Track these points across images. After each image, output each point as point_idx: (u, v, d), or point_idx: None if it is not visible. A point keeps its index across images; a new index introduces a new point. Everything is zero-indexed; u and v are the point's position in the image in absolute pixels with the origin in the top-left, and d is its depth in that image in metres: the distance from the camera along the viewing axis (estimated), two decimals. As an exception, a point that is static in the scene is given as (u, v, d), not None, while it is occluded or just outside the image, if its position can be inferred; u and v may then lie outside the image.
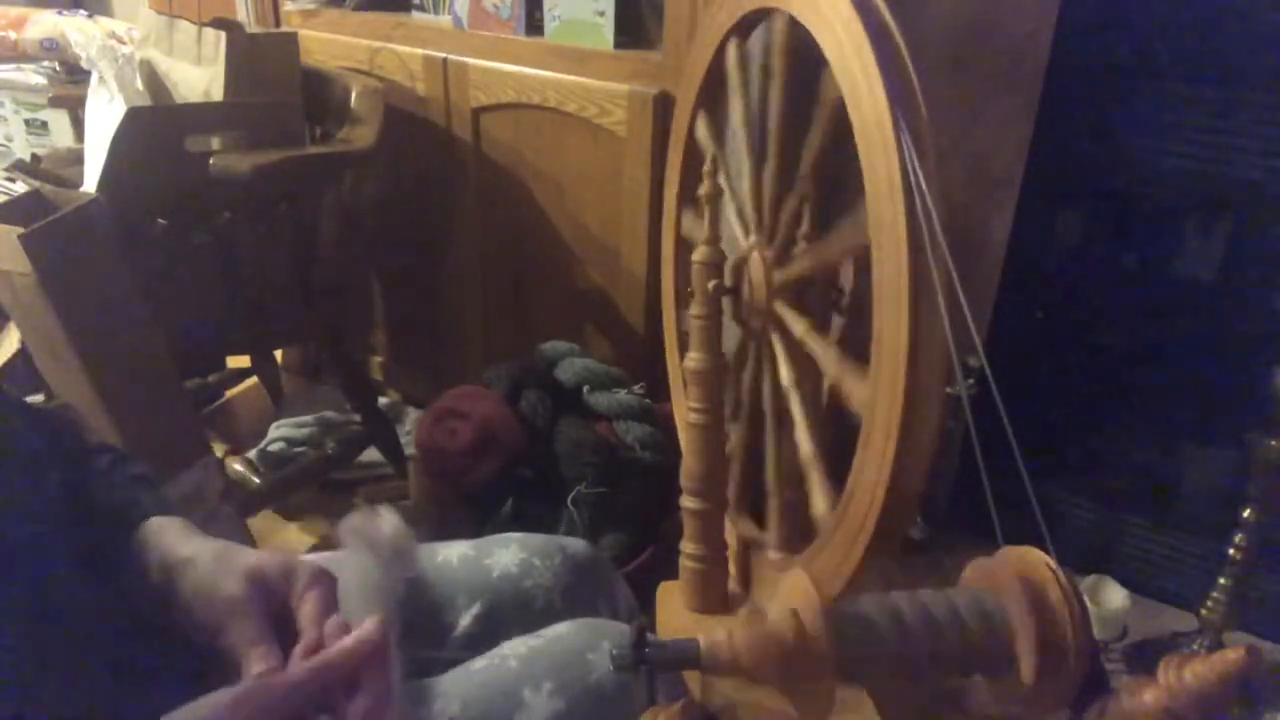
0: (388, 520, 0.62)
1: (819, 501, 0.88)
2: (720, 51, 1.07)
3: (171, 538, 0.61)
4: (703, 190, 1.00)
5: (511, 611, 0.78)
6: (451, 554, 0.82)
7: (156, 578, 0.60)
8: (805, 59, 0.90)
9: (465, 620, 0.77)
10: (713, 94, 1.13)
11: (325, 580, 0.58)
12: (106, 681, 0.54)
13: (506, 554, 0.82)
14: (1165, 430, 1.44)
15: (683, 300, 1.23)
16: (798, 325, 0.92)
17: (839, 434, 0.93)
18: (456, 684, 0.69)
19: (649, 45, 1.46)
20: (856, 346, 0.91)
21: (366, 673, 0.52)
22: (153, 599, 0.60)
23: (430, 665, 0.73)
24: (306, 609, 0.56)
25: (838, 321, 1.09)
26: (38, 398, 1.31)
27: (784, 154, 0.96)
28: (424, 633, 0.76)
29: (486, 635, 0.77)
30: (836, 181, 0.96)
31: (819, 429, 0.92)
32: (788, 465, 1.00)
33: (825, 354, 0.87)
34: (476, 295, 1.81)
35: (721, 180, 1.05)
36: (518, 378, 1.49)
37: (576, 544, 0.87)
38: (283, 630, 0.56)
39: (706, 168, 1.01)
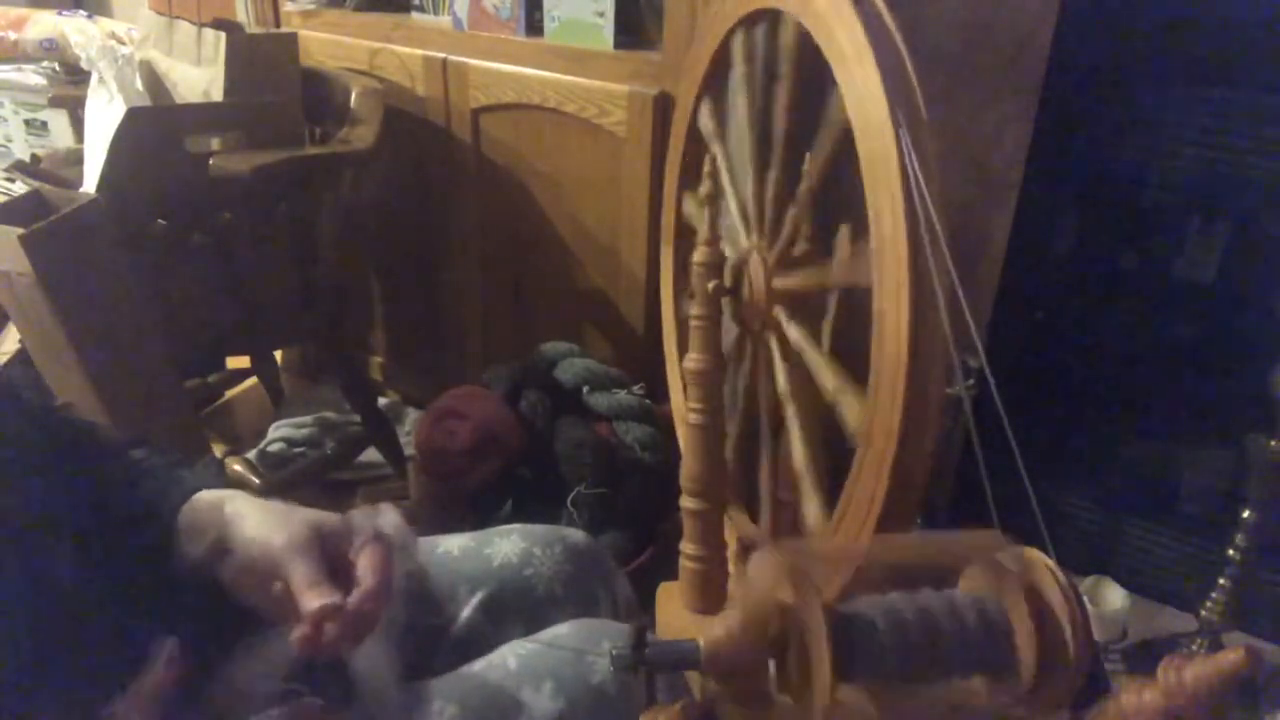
0: (388, 516, 0.63)
1: (811, 510, 0.88)
2: (725, 43, 1.07)
3: (230, 503, 0.63)
4: (702, 191, 1.00)
5: (512, 600, 0.78)
6: (452, 544, 0.83)
7: (208, 546, 0.61)
8: (810, 62, 0.90)
9: (467, 610, 0.78)
10: (717, 83, 1.13)
11: (383, 538, 0.60)
12: (111, 682, 0.54)
13: (507, 544, 0.82)
14: (1165, 430, 1.44)
15: (681, 281, 1.23)
16: (795, 333, 0.92)
17: (840, 434, 0.93)
18: (456, 685, 0.69)
19: (649, 45, 1.46)
20: (851, 338, 0.91)
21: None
22: (196, 578, 0.61)
23: (429, 666, 0.73)
24: (365, 560, 0.58)
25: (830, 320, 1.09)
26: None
27: (788, 161, 0.96)
28: (426, 623, 0.76)
29: (488, 625, 0.77)
30: (837, 180, 0.96)
31: (815, 435, 0.92)
32: (783, 466, 1.00)
33: (822, 369, 0.87)
34: (476, 295, 1.81)
35: (723, 179, 1.05)
36: (518, 378, 1.49)
37: (576, 534, 0.87)
38: (338, 582, 0.57)
39: (707, 168, 1.01)
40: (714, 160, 1.02)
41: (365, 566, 0.58)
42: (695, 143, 1.18)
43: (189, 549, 0.62)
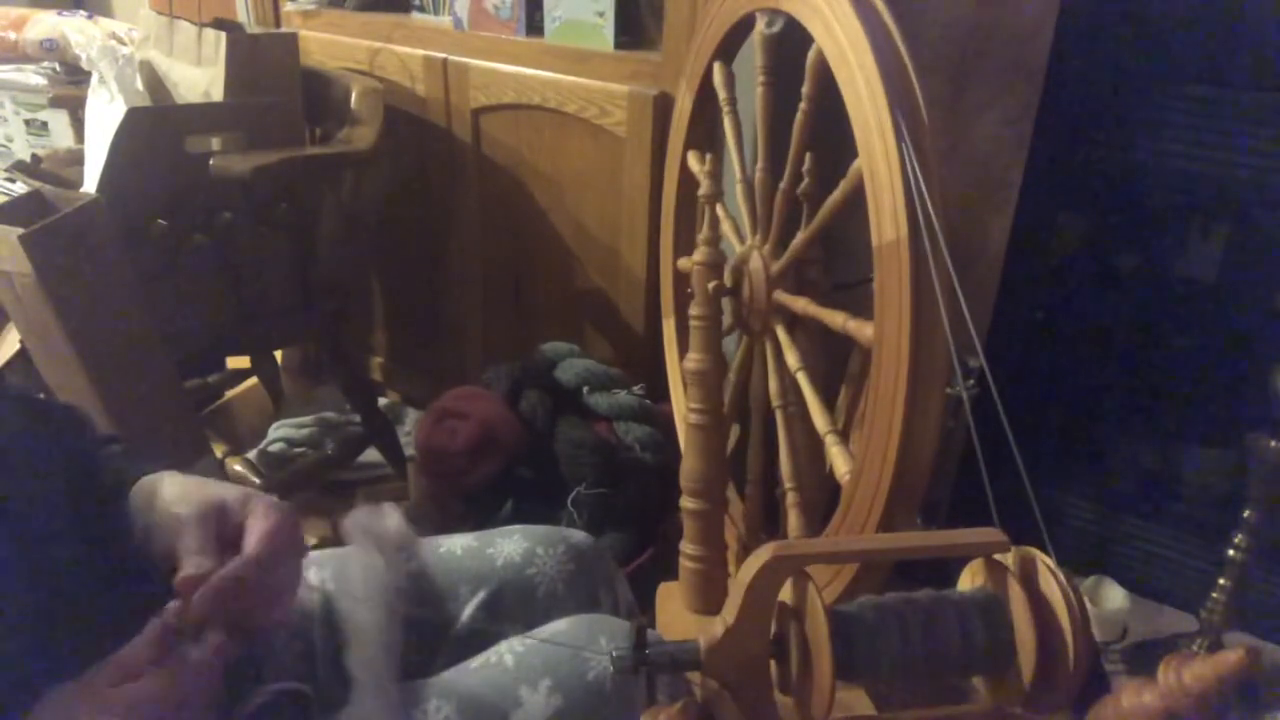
0: (390, 515, 0.63)
1: (840, 466, 0.88)
2: (725, 43, 1.07)
3: (154, 481, 0.64)
4: (702, 191, 1.00)
5: (514, 600, 0.79)
6: (455, 544, 0.83)
7: (141, 525, 0.62)
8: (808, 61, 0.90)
9: (469, 609, 0.78)
10: (732, 49, 1.12)
11: (280, 508, 0.60)
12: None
13: (509, 543, 0.82)
14: (1165, 430, 1.44)
15: (683, 250, 1.23)
16: (799, 303, 0.92)
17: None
18: (453, 682, 0.69)
19: (649, 46, 1.46)
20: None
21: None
22: (139, 554, 0.61)
23: (431, 665, 0.73)
24: (251, 527, 0.59)
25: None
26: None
27: (796, 174, 0.96)
28: (428, 622, 0.76)
29: (490, 624, 0.77)
30: (836, 180, 0.97)
31: (805, 449, 0.92)
32: (784, 466, 1.00)
33: (829, 314, 0.88)
34: (476, 295, 1.81)
35: (731, 157, 1.05)
36: (518, 378, 1.49)
37: (579, 534, 0.87)
38: (234, 552, 0.58)
39: (707, 168, 1.02)
40: (714, 160, 1.02)
41: (251, 534, 0.58)
42: (690, 190, 1.18)
43: (136, 530, 0.63)
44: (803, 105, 0.93)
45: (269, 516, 0.59)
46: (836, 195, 0.88)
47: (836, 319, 0.87)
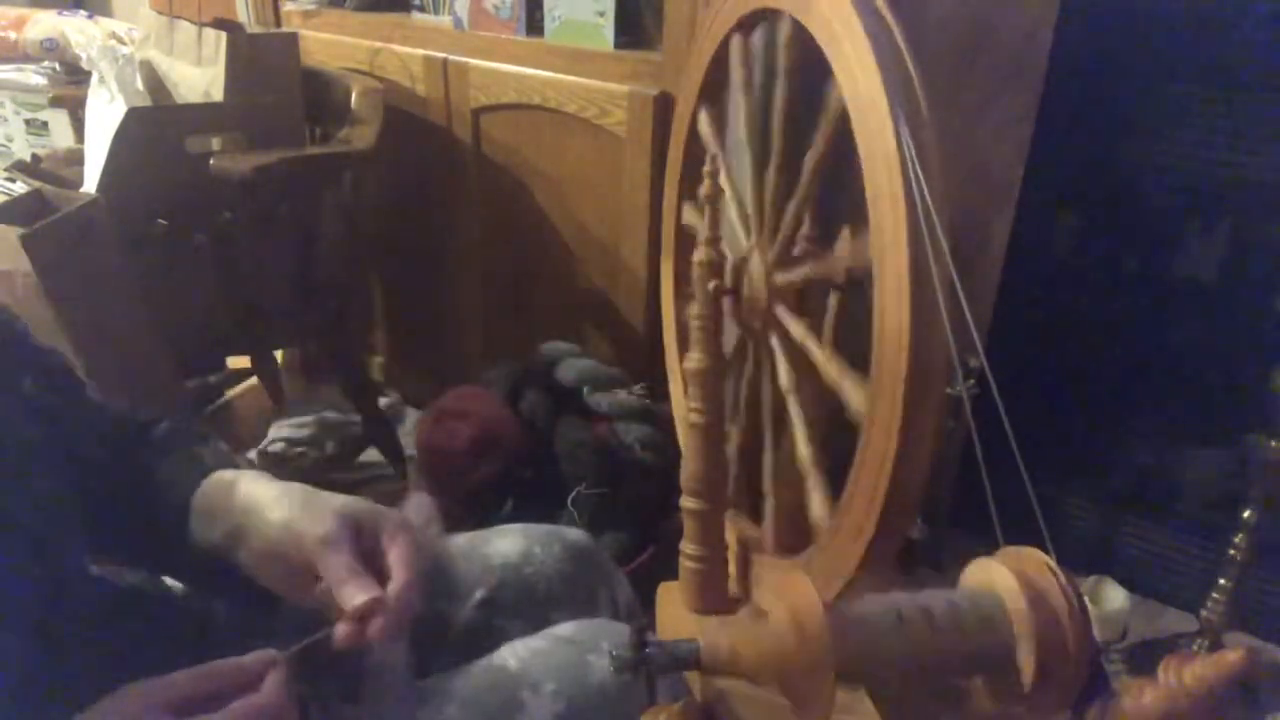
0: (420, 503, 0.63)
1: (817, 505, 0.88)
2: (723, 46, 1.07)
3: (246, 485, 0.62)
4: (702, 191, 1.00)
5: (513, 599, 0.79)
6: (453, 544, 0.83)
7: (225, 533, 0.61)
8: (810, 62, 0.90)
9: (467, 608, 0.78)
10: (715, 88, 1.12)
11: (410, 528, 0.60)
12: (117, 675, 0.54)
13: (507, 543, 0.82)
14: (1165, 430, 1.44)
15: (684, 275, 1.22)
16: (797, 328, 0.92)
17: (842, 430, 0.92)
18: (455, 685, 0.69)
19: (649, 45, 1.45)
20: (851, 337, 0.91)
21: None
22: (209, 560, 0.61)
23: (430, 664, 0.73)
24: (396, 551, 0.58)
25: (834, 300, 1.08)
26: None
27: (787, 159, 0.96)
28: (426, 621, 0.76)
29: (488, 623, 0.77)
30: (838, 180, 0.96)
31: (819, 430, 0.91)
32: (786, 466, 0.99)
33: (825, 361, 0.87)
34: (476, 295, 1.81)
35: (722, 180, 1.04)
36: (518, 378, 1.49)
37: (576, 533, 0.87)
38: (371, 573, 0.57)
39: (707, 168, 1.01)
40: (714, 160, 1.02)
41: (396, 558, 0.58)
42: (696, 143, 1.17)
43: (205, 533, 0.62)
44: (782, 86, 0.93)
45: (407, 539, 0.59)
46: (821, 142, 0.87)
47: (830, 372, 0.86)
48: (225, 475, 0.63)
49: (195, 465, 0.65)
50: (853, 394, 0.82)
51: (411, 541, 0.59)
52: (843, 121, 0.81)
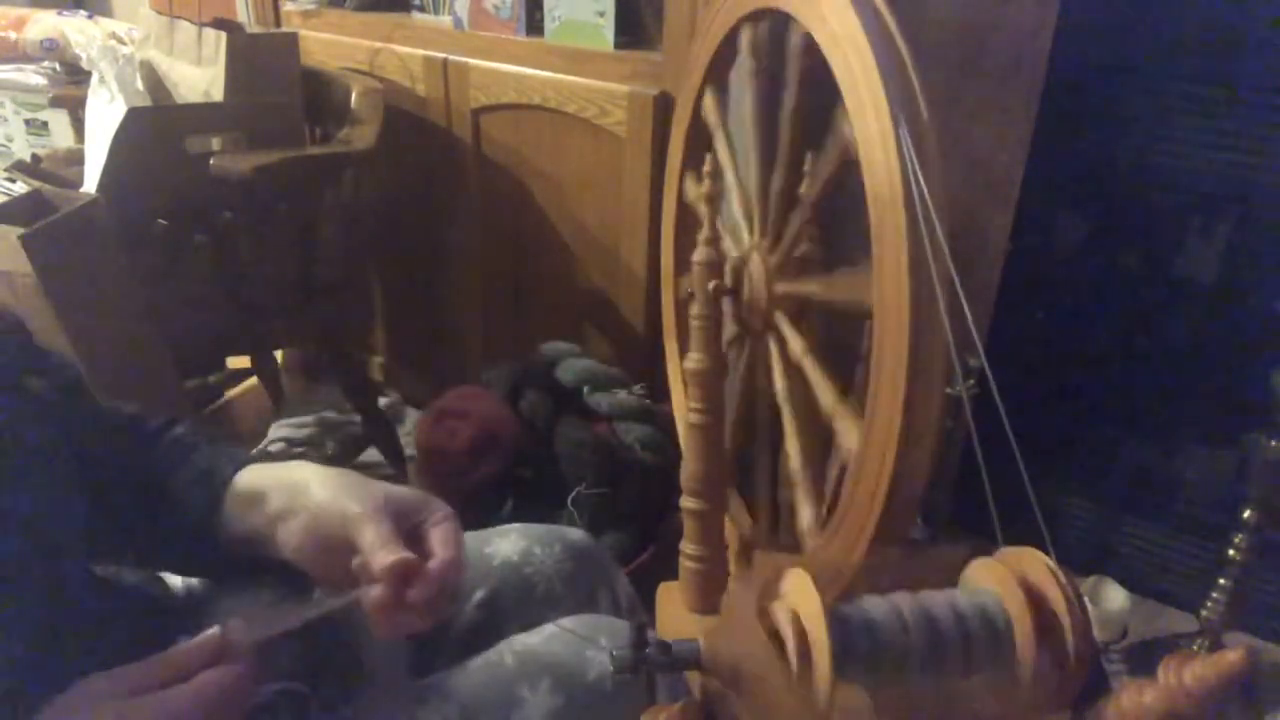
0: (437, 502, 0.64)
1: (805, 514, 0.88)
2: (725, 43, 1.07)
3: (296, 467, 0.63)
4: (703, 190, 1.00)
5: (512, 599, 0.78)
6: None
7: (271, 512, 0.61)
8: (820, 75, 0.90)
9: (467, 608, 0.78)
10: (716, 82, 1.12)
11: (454, 515, 0.60)
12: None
13: (506, 542, 0.82)
14: (1165, 430, 1.44)
15: (682, 267, 1.22)
16: (796, 344, 0.92)
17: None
18: (453, 683, 0.69)
19: (649, 45, 1.46)
20: (851, 336, 0.91)
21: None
22: (233, 553, 0.61)
23: (431, 664, 0.73)
24: (439, 533, 0.57)
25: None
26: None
27: (792, 162, 0.96)
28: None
29: (488, 623, 0.77)
30: (840, 184, 0.96)
31: (812, 441, 0.91)
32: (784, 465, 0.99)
33: (821, 387, 0.87)
34: (476, 295, 1.81)
35: (726, 172, 1.04)
36: (518, 378, 1.49)
37: (576, 533, 0.87)
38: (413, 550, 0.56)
39: (707, 168, 1.01)
40: (714, 159, 1.02)
41: (439, 539, 0.57)
42: (696, 133, 1.17)
43: (243, 519, 0.62)
44: (791, 95, 0.93)
45: (453, 524, 0.58)
46: (826, 170, 0.87)
47: (826, 401, 0.86)
48: (267, 464, 0.64)
49: (230, 456, 0.65)
50: (846, 431, 0.81)
51: (457, 528, 0.58)
52: (850, 149, 0.81)
